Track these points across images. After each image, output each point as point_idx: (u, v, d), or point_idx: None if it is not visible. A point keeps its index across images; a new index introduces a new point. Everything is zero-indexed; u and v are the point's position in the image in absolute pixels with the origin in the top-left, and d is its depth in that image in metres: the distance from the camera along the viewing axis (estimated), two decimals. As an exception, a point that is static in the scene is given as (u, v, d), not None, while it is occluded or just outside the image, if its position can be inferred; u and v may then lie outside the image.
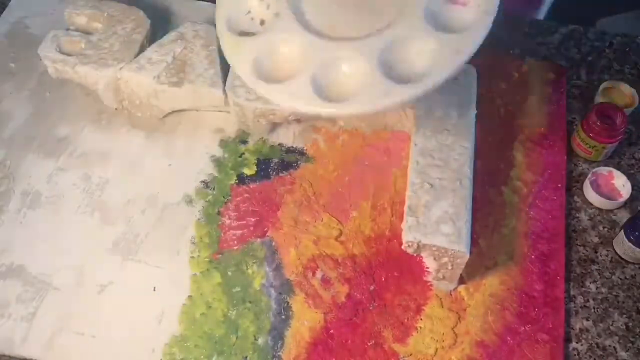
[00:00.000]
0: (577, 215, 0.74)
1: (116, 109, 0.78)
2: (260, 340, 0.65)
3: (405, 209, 0.65)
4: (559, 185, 0.75)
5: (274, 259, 0.69)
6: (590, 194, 0.73)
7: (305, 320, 0.66)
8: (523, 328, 0.66)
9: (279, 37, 0.63)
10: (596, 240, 0.72)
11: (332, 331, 0.65)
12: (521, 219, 0.72)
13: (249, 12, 0.66)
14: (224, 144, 0.77)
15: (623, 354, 0.65)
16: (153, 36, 0.79)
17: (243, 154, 0.76)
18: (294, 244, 0.70)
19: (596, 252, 0.71)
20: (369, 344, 0.65)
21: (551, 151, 0.77)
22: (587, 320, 0.67)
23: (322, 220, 0.71)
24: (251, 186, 0.74)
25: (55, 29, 0.76)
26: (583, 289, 0.69)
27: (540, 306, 0.67)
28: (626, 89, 0.80)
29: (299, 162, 0.75)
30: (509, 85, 0.82)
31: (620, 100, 0.80)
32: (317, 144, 0.77)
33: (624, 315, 0.68)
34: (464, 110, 0.72)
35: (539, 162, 0.76)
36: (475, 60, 0.81)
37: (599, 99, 0.80)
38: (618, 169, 0.75)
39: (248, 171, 0.75)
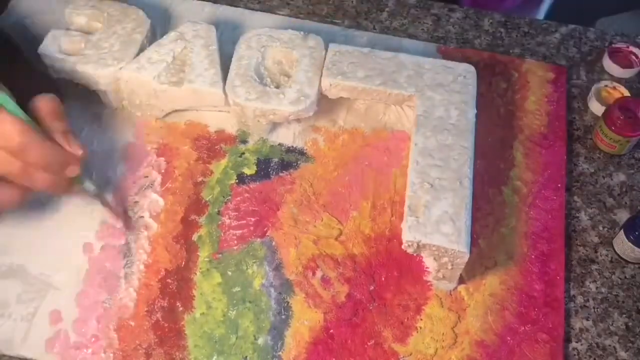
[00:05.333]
0: (577, 215, 0.74)
1: (116, 109, 0.78)
2: (260, 340, 0.65)
3: (405, 209, 0.65)
4: (559, 185, 0.75)
5: (274, 259, 0.69)
6: (610, 66, 0.81)
7: (305, 320, 0.66)
8: (523, 328, 0.66)
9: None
10: (596, 240, 0.72)
11: (332, 331, 0.65)
12: (521, 219, 0.72)
13: None
14: (224, 143, 0.77)
15: (623, 354, 0.65)
16: (153, 36, 0.79)
17: (243, 153, 0.76)
18: (294, 243, 0.70)
19: (596, 252, 0.71)
20: (369, 343, 0.65)
21: (551, 151, 0.77)
22: (587, 320, 0.67)
23: (322, 220, 0.71)
24: (251, 186, 0.74)
25: (55, 29, 0.76)
26: (583, 289, 0.69)
27: (540, 306, 0.67)
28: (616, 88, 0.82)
29: (299, 162, 0.75)
30: (509, 85, 0.82)
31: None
32: (317, 144, 0.77)
33: (624, 315, 0.68)
34: (464, 110, 0.72)
35: (539, 162, 0.76)
36: (475, 60, 0.82)
37: (592, 100, 0.80)
38: (618, 168, 0.75)
39: (248, 171, 0.75)
